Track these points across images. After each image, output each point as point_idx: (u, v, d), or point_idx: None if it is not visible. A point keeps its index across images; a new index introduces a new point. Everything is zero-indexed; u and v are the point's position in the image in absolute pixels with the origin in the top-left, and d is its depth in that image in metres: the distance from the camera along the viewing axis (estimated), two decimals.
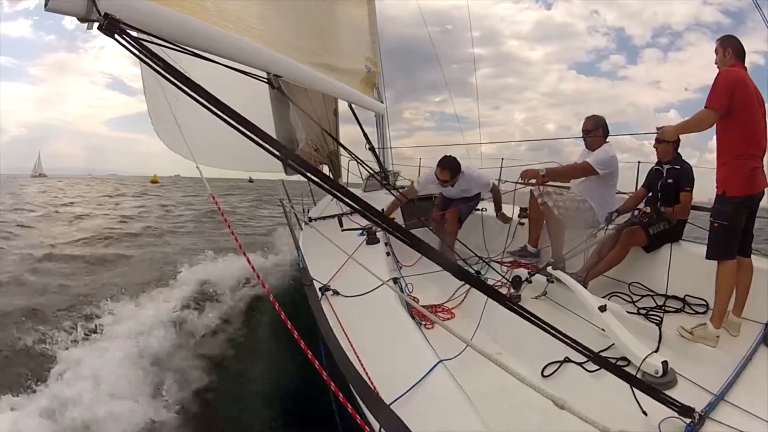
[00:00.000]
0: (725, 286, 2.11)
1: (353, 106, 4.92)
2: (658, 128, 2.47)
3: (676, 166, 2.85)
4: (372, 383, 1.40)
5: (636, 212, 2.89)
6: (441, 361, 1.52)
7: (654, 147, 2.99)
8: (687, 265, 2.52)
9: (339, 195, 1.21)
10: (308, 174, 1.21)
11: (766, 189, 2.19)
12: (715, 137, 2.23)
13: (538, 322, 1.24)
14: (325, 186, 1.21)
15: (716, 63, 2.25)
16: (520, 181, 3.33)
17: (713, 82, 2.12)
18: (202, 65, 1.80)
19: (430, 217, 3.96)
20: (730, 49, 2.19)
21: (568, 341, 1.28)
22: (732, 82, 2.07)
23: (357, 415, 1.22)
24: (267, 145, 1.13)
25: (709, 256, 2.18)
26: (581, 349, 1.32)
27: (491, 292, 1.25)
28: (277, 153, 1.14)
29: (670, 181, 2.85)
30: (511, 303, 1.25)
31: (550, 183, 3.31)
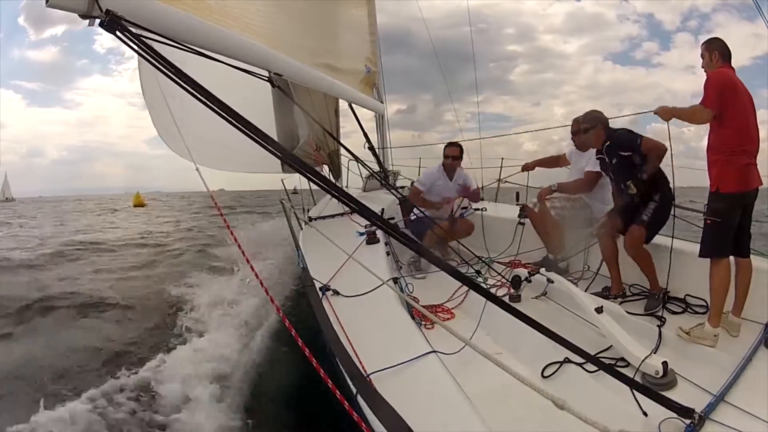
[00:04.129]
0: (719, 284, 2.11)
1: (353, 105, 4.93)
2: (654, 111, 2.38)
3: (608, 143, 2.74)
4: (370, 379, 1.41)
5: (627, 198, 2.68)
6: (433, 351, 1.53)
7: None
8: (687, 265, 2.51)
9: (336, 195, 1.21)
10: (305, 173, 1.20)
11: (760, 187, 2.19)
12: (706, 137, 2.23)
13: (536, 324, 1.24)
14: (323, 185, 1.21)
15: (703, 67, 2.27)
16: (536, 201, 3.42)
17: (705, 85, 2.15)
18: (206, 64, 1.81)
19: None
20: (717, 52, 2.22)
21: (565, 343, 1.28)
22: (721, 85, 2.11)
23: (355, 414, 1.23)
24: (265, 144, 1.13)
25: (702, 254, 2.18)
26: (578, 350, 1.32)
27: (489, 296, 1.24)
28: (275, 151, 1.14)
29: (614, 160, 2.72)
30: (509, 305, 1.25)
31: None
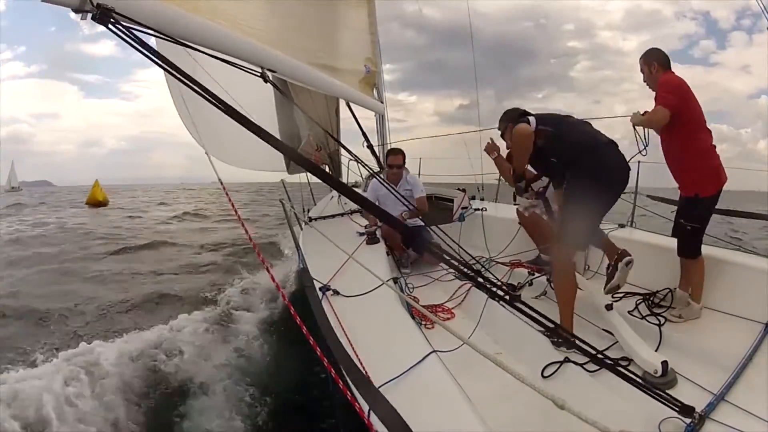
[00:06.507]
0: (699, 277, 2.32)
1: (352, 105, 4.92)
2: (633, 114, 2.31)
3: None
4: (368, 375, 1.41)
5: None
6: (434, 351, 1.53)
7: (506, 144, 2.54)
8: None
9: (342, 191, 1.22)
10: (311, 171, 1.22)
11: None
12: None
13: (540, 319, 1.24)
14: (329, 183, 1.23)
15: (645, 81, 2.28)
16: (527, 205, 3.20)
17: (659, 85, 2.17)
18: (208, 59, 1.82)
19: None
20: (655, 63, 2.24)
21: (571, 337, 1.29)
22: (676, 85, 2.16)
23: (355, 402, 1.23)
24: (269, 142, 1.14)
25: (685, 256, 2.35)
26: (583, 346, 1.32)
27: (494, 293, 1.25)
28: (281, 149, 1.15)
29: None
30: (514, 301, 1.26)
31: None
